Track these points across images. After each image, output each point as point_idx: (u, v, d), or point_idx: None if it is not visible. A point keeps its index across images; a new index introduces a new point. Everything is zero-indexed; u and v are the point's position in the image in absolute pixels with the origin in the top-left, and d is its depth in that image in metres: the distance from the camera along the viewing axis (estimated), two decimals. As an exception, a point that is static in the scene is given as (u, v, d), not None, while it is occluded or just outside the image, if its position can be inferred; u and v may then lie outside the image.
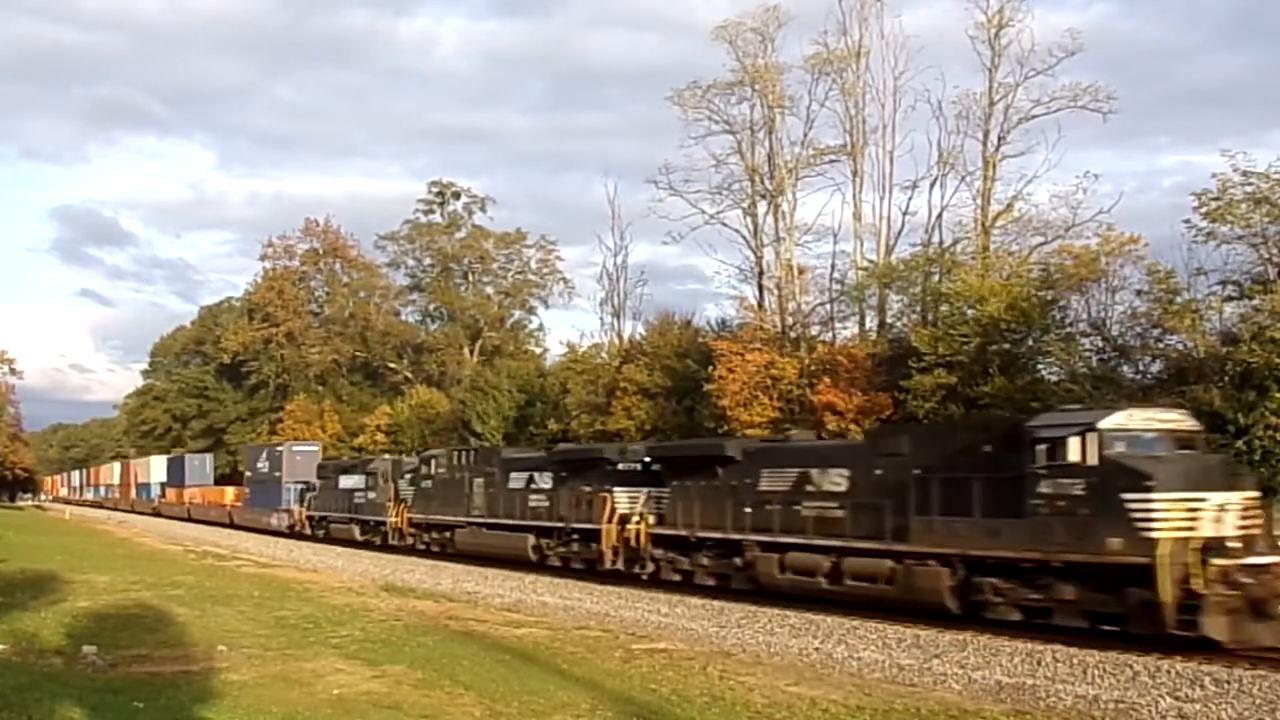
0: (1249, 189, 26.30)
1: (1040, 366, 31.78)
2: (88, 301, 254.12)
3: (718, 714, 11.15)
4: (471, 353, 76.75)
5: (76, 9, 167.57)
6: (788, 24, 44.16)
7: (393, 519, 35.65)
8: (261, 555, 36.61)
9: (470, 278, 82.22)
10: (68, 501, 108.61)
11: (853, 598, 18.93)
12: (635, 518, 24.15)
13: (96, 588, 21.41)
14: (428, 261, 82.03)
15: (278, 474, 51.07)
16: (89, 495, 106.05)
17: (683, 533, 22.78)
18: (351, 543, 39.06)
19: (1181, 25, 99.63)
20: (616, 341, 53.75)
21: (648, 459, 25.25)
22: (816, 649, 16.37)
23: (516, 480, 29.12)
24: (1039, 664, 14.72)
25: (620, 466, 25.34)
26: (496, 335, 79.25)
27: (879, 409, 33.67)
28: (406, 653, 14.27)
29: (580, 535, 26.17)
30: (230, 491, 63.79)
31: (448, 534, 32.20)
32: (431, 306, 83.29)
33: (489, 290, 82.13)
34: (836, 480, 19.59)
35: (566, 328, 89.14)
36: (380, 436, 65.27)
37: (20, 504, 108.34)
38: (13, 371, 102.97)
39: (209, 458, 75.58)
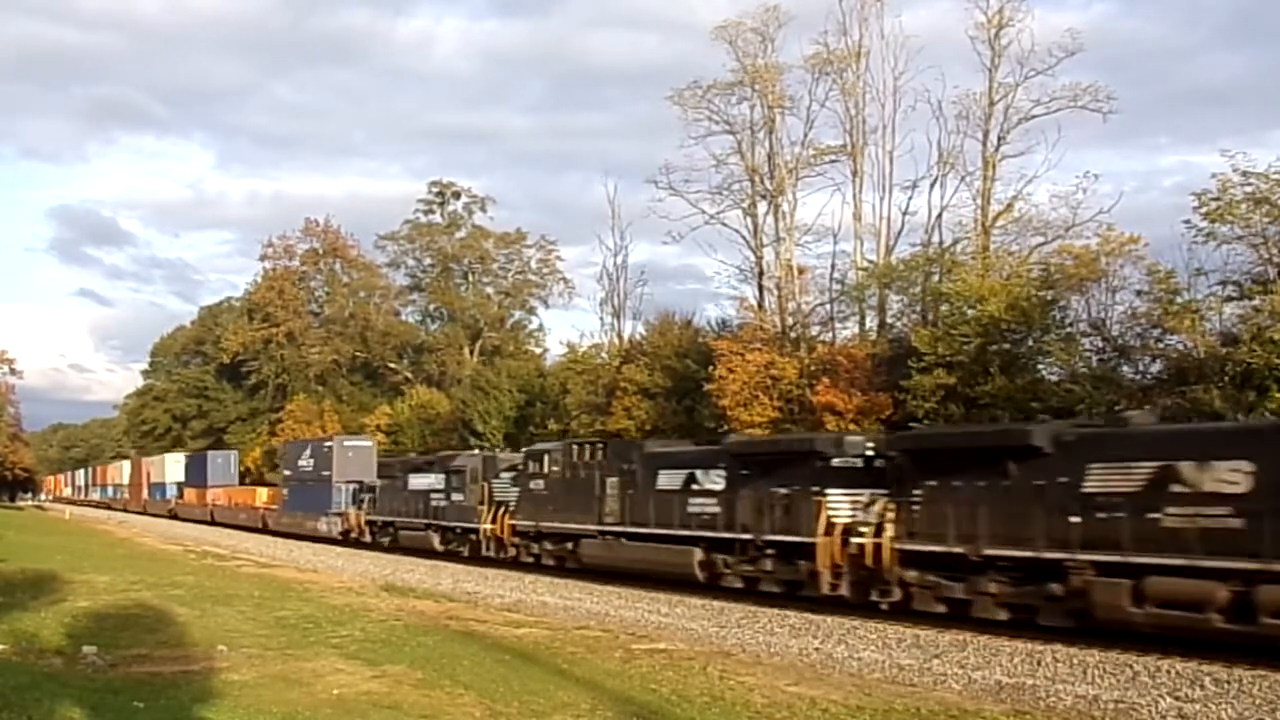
0: (1249, 189, 26.29)
1: (1040, 366, 31.78)
2: (87, 301, 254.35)
3: (718, 714, 11.15)
4: (471, 353, 76.76)
5: (76, 9, 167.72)
6: (788, 24, 44.24)
7: (487, 526, 30.09)
8: (261, 555, 36.61)
9: (470, 278, 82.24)
10: (72, 502, 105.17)
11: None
12: (865, 528, 19.18)
13: (96, 588, 21.41)
14: (428, 261, 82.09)
15: (326, 472, 43.81)
16: (95, 495, 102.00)
17: (956, 550, 17.44)
18: (428, 553, 33.41)
19: (1181, 25, 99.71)
20: (616, 341, 53.80)
21: (871, 452, 20.37)
22: (816, 649, 16.37)
23: (669, 479, 23.82)
24: (1039, 664, 14.73)
25: (835, 463, 20.37)
26: (496, 335, 79.27)
27: (879, 409, 33.67)
28: (406, 653, 14.27)
29: (777, 550, 21.03)
30: (262, 492, 57.65)
31: (568, 545, 26.92)
32: (431, 306, 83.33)
33: (489, 290, 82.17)
34: (1230, 477, 14.54)
35: (566, 328, 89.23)
36: (380, 437, 65.27)
37: (20, 504, 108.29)
38: (13, 371, 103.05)
39: (233, 455, 70.41)
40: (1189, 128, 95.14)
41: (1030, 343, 31.31)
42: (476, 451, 36.09)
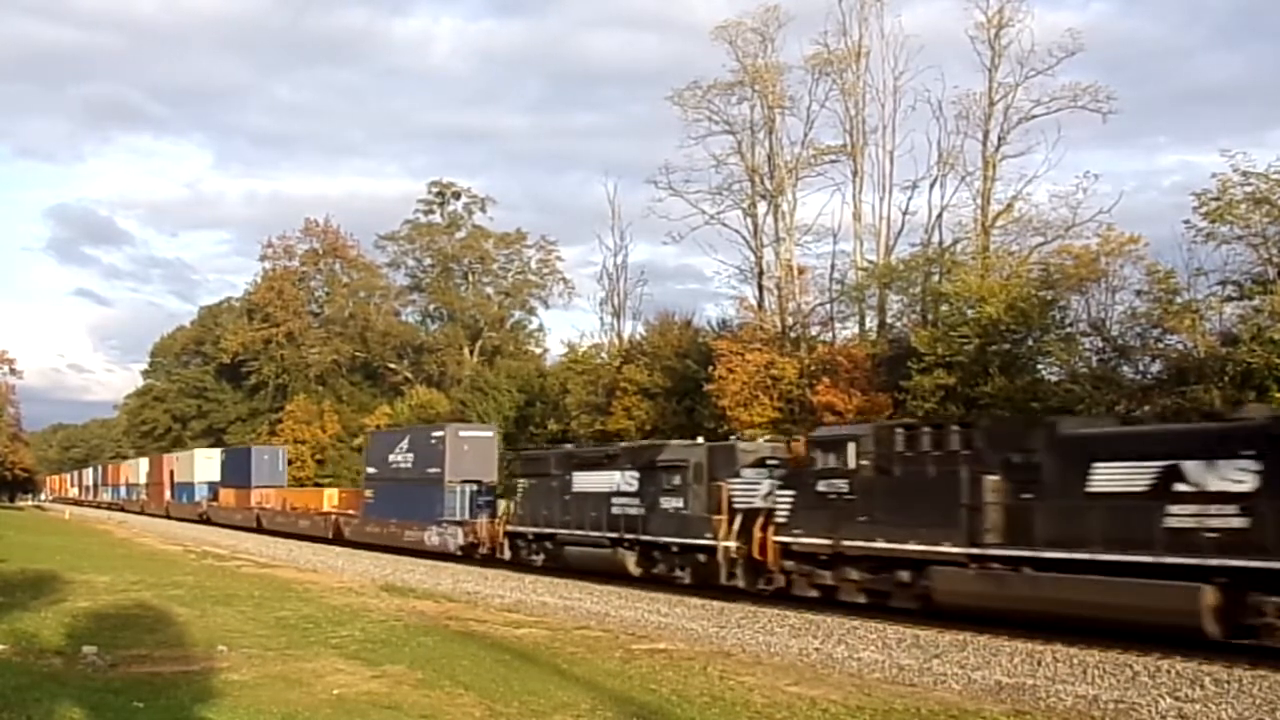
0: (1249, 189, 26.31)
1: (1040, 367, 31.80)
2: (85, 301, 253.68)
3: (718, 714, 11.15)
4: (471, 353, 76.76)
5: (73, 8, 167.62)
6: (788, 24, 44.27)
7: (730, 544, 22.04)
8: (261, 555, 36.60)
9: (470, 278, 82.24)
10: (78, 503, 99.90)
11: None
12: None
13: (96, 588, 21.42)
14: (428, 261, 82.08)
15: (434, 470, 34.66)
16: (105, 496, 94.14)
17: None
18: (615, 577, 25.13)
19: (1180, 24, 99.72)
20: (616, 341, 53.80)
21: None
22: (816, 649, 16.37)
23: (1119, 476, 15.85)
24: (1039, 664, 14.72)
25: None
26: (496, 335, 79.27)
27: (879, 409, 33.65)
28: (406, 653, 14.28)
29: None
30: (331, 494, 48.75)
31: (899, 575, 18.88)
32: (431, 307, 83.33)
33: (489, 290, 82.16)
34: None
35: (566, 328, 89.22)
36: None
37: (20, 504, 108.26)
38: (13, 371, 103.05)
39: (282, 451, 60.58)
40: (1188, 127, 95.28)
41: (1030, 343, 31.33)
42: (699, 440, 25.82)
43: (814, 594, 20.29)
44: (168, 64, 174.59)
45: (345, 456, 68.72)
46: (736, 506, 22.19)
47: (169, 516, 66.88)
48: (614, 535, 25.43)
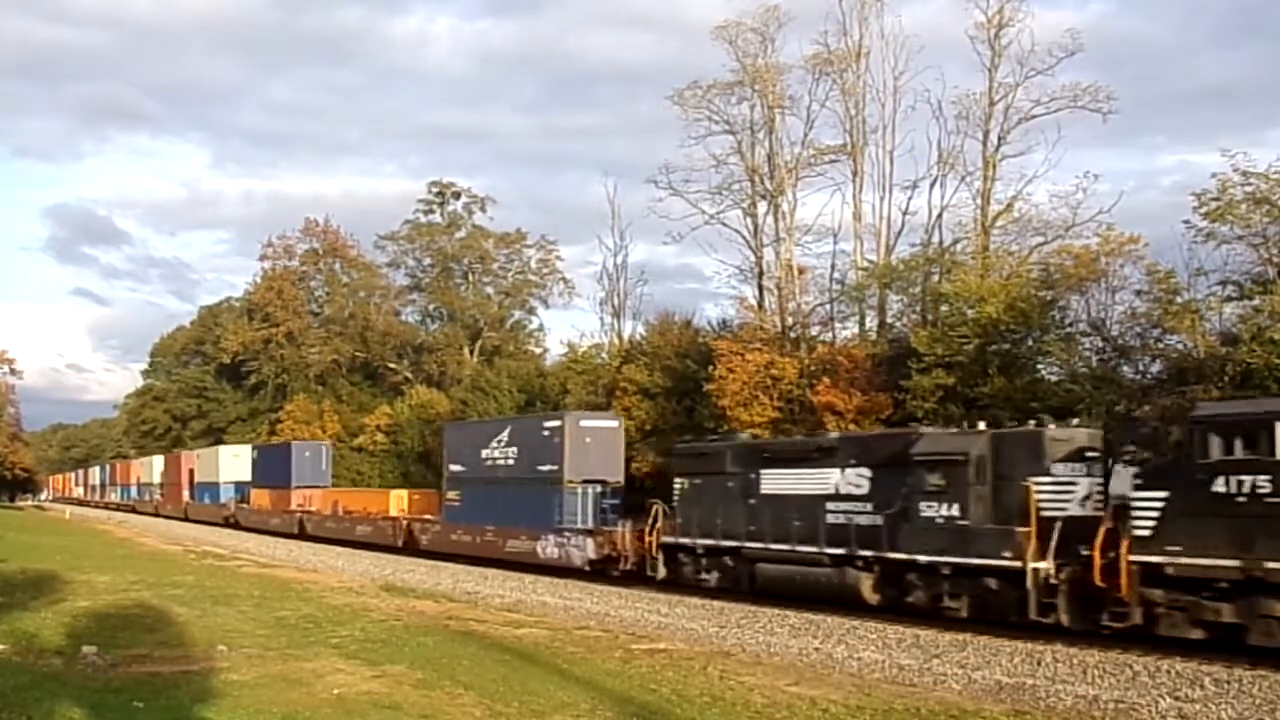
0: (1249, 189, 26.28)
1: (1040, 367, 31.77)
2: (83, 301, 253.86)
3: (718, 714, 11.15)
4: (471, 353, 76.72)
5: (69, 7, 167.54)
6: (788, 24, 44.23)
7: (1045, 564, 16.53)
8: (261, 555, 36.60)
9: (470, 278, 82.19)
10: (84, 504, 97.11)
11: None
12: None
13: (96, 588, 21.42)
14: (428, 261, 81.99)
15: (548, 467, 29.20)
16: (113, 496, 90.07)
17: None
18: (848, 606, 19.81)
19: (1179, 24, 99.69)
20: (616, 341, 53.80)
21: None
22: (816, 649, 16.37)
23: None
24: (1039, 664, 14.73)
25: None
26: (496, 335, 79.22)
27: (879, 409, 33.65)
28: (406, 653, 14.28)
29: None
30: (400, 496, 41.35)
31: None
32: (431, 306, 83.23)
33: (489, 290, 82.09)
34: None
35: (566, 328, 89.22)
36: (380, 437, 65.25)
37: (20, 504, 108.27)
38: (13, 371, 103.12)
39: (326, 448, 52.57)
40: (1187, 127, 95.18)
41: (1030, 343, 31.31)
42: (980, 428, 19.69)
43: (1196, 634, 15.07)
44: (164, 63, 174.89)
45: (345, 457, 67.90)
46: (1046, 515, 16.84)
47: (187, 519, 62.24)
48: (839, 552, 20.01)
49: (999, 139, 38.64)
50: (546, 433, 29.75)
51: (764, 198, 45.33)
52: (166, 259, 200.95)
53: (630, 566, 25.61)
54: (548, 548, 28.36)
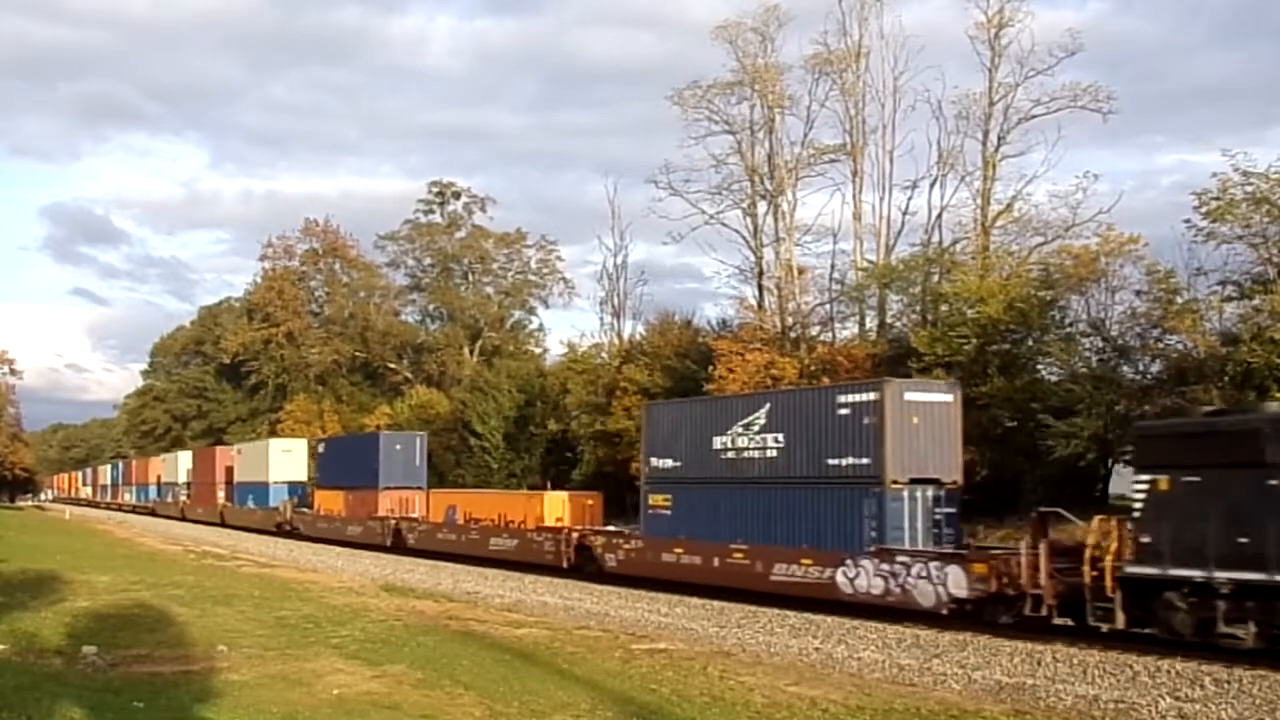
0: (1249, 189, 26.29)
1: (1040, 367, 31.79)
2: (82, 301, 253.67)
3: (718, 714, 11.15)
4: (471, 353, 76.76)
5: (66, 6, 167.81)
6: (788, 24, 44.30)
7: None
8: (261, 555, 36.59)
9: (470, 278, 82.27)
10: (93, 505, 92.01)
11: None
12: None
13: (96, 588, 21.42)
14: (428, 261, 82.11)
15: (851, 460, 20.58)
16: (127, 497, 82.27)
17: None
18: None
19: (1178, 23, 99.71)
20: (616, 341, 53.83)
21: None
22: (816, 649, 16.37)
23: None
24: (1039, 664, 14.73)
25: None
26: (496, 335, 79.28)
27: (879, 409, 33.64)
28: (406, 653, 14.27)
29: None
30: (555, 500, 30.67)
31: None
32: (431, 306, 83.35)
33: (489, 290, 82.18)
34: None
35: (566, 327, 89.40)
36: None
37: (20, 504, 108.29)
38: (12, 372, 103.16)
39: (420, 439, 42.37)
40: (1187, 126, 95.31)
41: (1030, 343, 31.33)
42: None
43: None
44: (162, 62, 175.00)
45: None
46: None
47: (224, 524, 53.66)
48: None
49: (999, 139, 38.72)
50: (846, 410, 20.83)
51: (764, 198, 45.39)
52: (165, 259, 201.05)
53: (1044, 610, 16.68)
54: (860, 578, 19.53)
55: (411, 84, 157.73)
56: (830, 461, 20.89)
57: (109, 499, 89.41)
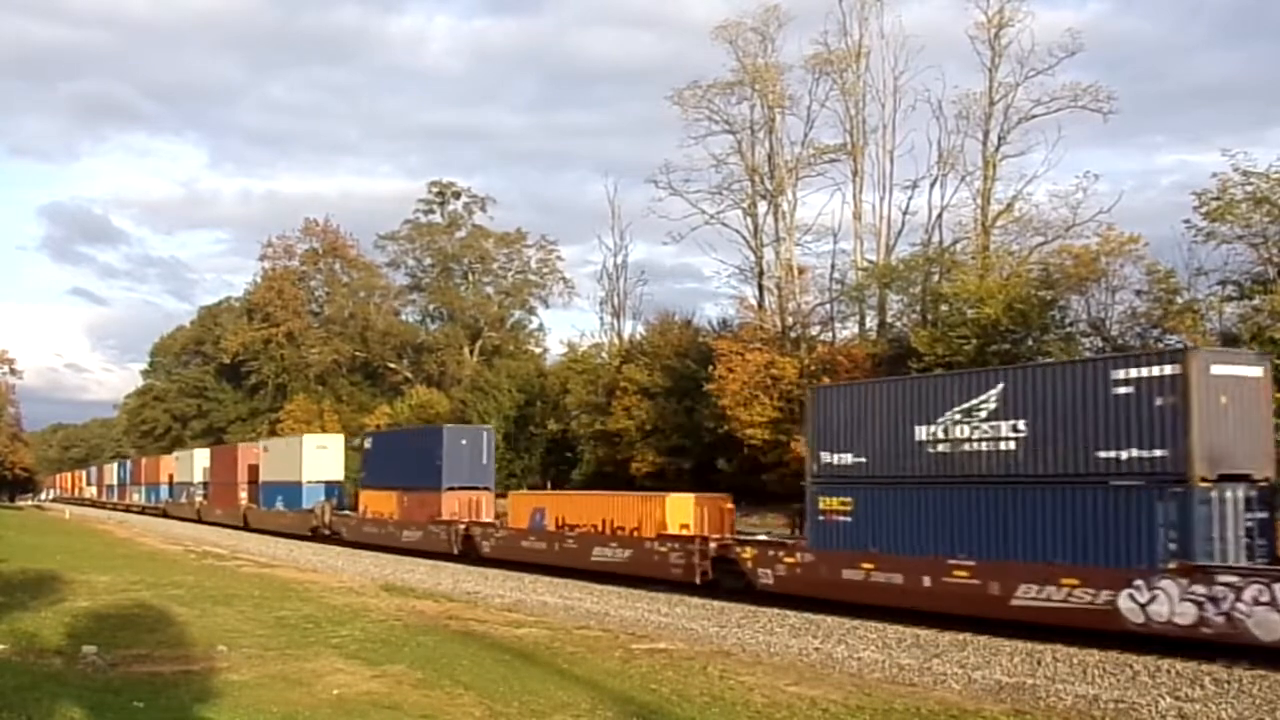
0: (1249, 189, 26.31)
1: (1040, 367, 31.79)
2: (81, 300, 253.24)
3: (718, 714, 11.15)
4: (471, 353, 76.78)
5: (65, 6, 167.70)
6: (788, 24, 44.38)
7: None
8: (261, 555, 36.57)
9: (470, 278, 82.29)
10: (98, 505, 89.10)
11: None
12: None
13: (96, 588, 21.41)
14: (428, 261, 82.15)
15: (1137, 453, 16.36)
16: (136, 497, 78.59)
17: None
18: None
19: (1177, 23, 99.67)
20: (616, 341, 53.86)
21: None
22: (816, 649, 16.37)
23: None
24: (1039, 664, 14.73)
25: None
26: (496, 335, 79.30)
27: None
28: (406, 653, 14.27)
29: None
30: (680, 504, 26.17)
31: None
32: (431, 306, 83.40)
33: (489, 290, 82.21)
34: None
35: (566, 327, 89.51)
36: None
37: (20, 504, 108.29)
38: (12, 371, 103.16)
39: (488, 434, 37.80)
40: (1186, 126, 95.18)
41: (1030, 343, 31.34)
42: None
43: None
44: (161, 62, 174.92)
45: (346, 457, 66.90)
46: None
47: (247, 528, 49.36)
48: None
49: (999, 139, 38.77)
50: (1126, 389, 16.65)
51: (764, 198, 45.45)
52: (164, 258, 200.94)
53: None
54: (1157, 603, 15.43)
55: (411, 84, 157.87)
56: (1102, 455, 16.72)
57: (116, 499, 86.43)
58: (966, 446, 18.68)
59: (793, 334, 41.43)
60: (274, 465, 49.49)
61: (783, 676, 13.70)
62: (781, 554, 21.59)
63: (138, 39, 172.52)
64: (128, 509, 77.92)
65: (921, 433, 19.38)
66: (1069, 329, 31.17)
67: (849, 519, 20.63)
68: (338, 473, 46.52)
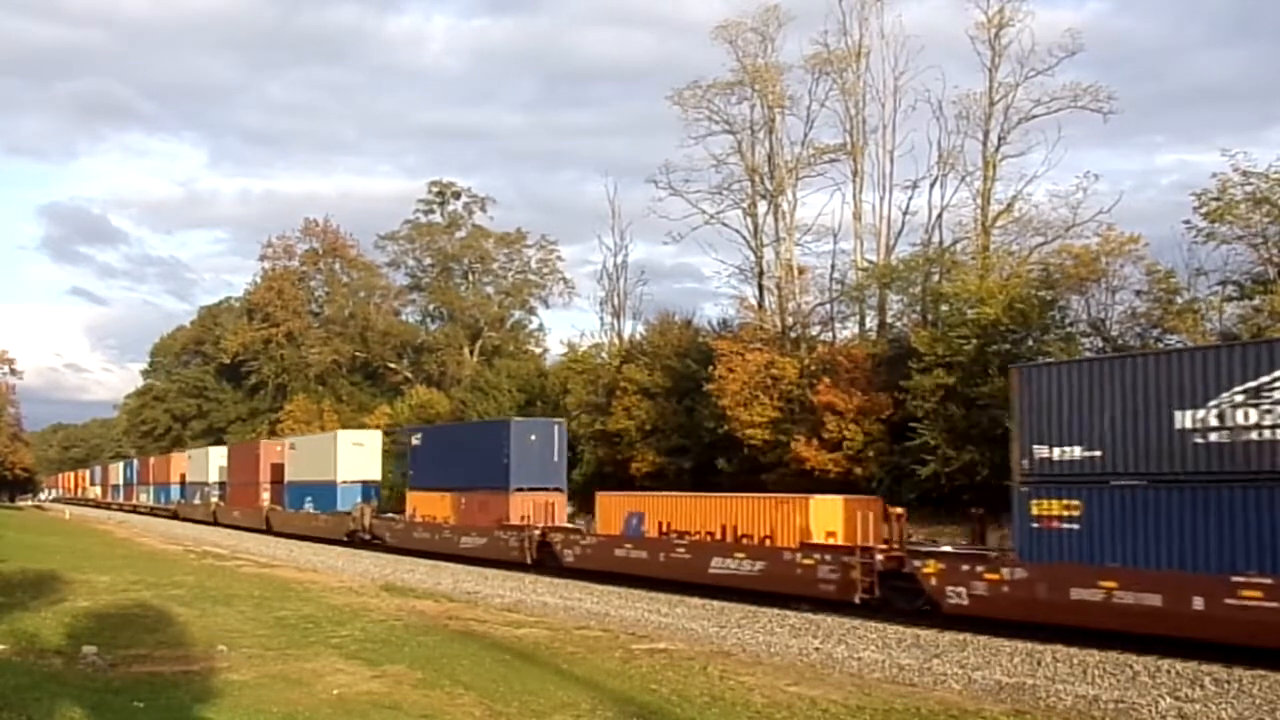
0: (1249, 189, 26.34)
1: (1040, 367, 31.79)
2: (80, 300, 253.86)
3: (718, 714, 11.14)
4: (471, 353, 76.81)
5: (65, 6, 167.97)
6: (788, 24, 44.37)
7: None
8: (262, 555, 36.57)
9: (470, 278, 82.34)
10: (103, 506, 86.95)
11: None
12: None
13: (96, 588, 21.40)
14: (428, 261, 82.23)
15: None
16: (144, 498, 75.41)
17: None
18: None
19: (1176, 22, 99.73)
20: (616, 341, 53.86)
21: None
22: (816, 649, 16.37)
23: None
24: (1039, 664, 14.73)
25: None
26: (496, 335, 79.34)
27: (879, 409, 33.68)
28: (406, 653, 14.27)
29: None
30: (829, 507, 22.43)
31: None
32: (431, 306, 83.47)
33: (489, 290, 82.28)
34: None
35: (566, 327, 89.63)
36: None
37: (20, 504, 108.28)
38: (13, 371, 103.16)
39: (559, 427, 33.45)
40: (1186, 126, 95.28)
41: (1030, 343, 31.35)
42: None
43: None
44: (159, 62, 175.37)
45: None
46: None
47: (269, 530, 46.76)
48: None
49: (999, 139, 38.78)
50: None
51: (764, 197, 45.45)
52: (163, 258, 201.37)
53: None
54: None
55: (409, 83, 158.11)
56: None
57: (122, 500, 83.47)
58: (1254, 435, 15.09)
59: (793, 334, 41.43)
60: (303, 464, 46.02)
61: (783, 676, 13.69)
62: (980, 569, 17.88)
63: (136, 38, 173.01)
64: (134, 510, 75.63)
65: (1183, 419, 15.78)
66: (1069, 329, 31.19)
67: (1075, 526, 16.89)
68: (374, 472, 43.16)
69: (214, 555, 35.12)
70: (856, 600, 19.52)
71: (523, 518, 30.32)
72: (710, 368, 38.86)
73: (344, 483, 42.26)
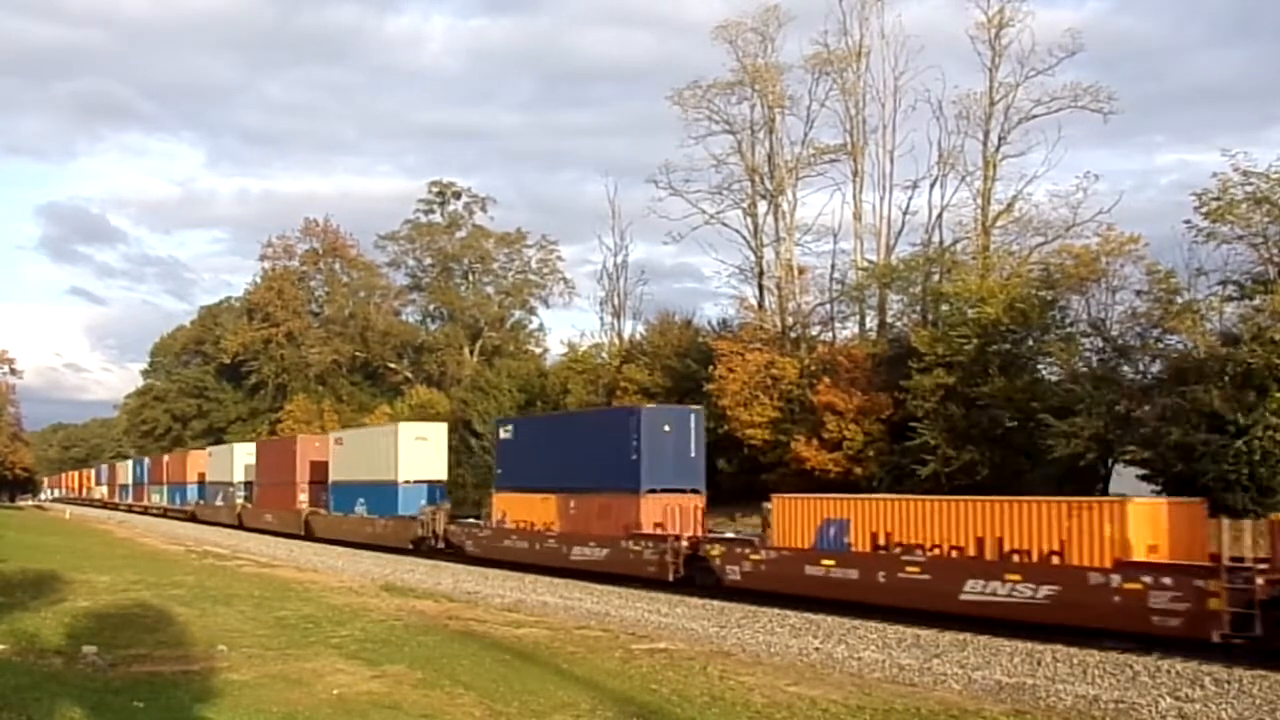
0: (1249, 189, 26.32)
1: (1040, 366, 31.82)
2: (80, 300, 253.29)
3: (718, 714, 11.14)
4: (471, 353, 76.81)
5: (63, 5, 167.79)
6: (788, 24, 44.39)
7: None
8: (262, 555, 36.56)
9: (470, 278, 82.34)
10: (110, 507, 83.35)
11: None
12: None
13: (97, 588, 21.40)
14: (428, 261, 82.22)
15: None
16: (157, 499, 69.85)
17: None
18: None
19: (1176, 22, 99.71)
20: (616, 341, 53.90)
21: None
22: (816, 649, 16.36)
23: None
24: (1039, 664, 14.72)
25: None
26: (496, 335, 79.34)
27: (879, 409, 33.68)
28: (406, 653, 14.27)
29: None
30: (1141, 513, 16.48)
31: None
32: (431, 306, 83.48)
33: (489, 290, 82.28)
34: None
35: (566, 327, 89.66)
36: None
37: (20, 504, 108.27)
38: (13, 371, 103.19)
39: (695, 416, 26.95)
40: (1186, 126, 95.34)
41: (1030, 343, 31.36)
42: None
43: None
44: (158, 61, 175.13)
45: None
46: None
47: (309, 536, 41.72)
48: None
49: (999, 139, 38.81)
50: None
51: (764, 197, 45.48)
52: (162, 258, 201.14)
53: None
54: None
55: (408, 83, 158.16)
56: None
57: (131, 500, 77.38)
58: None
59: (793, 334, 41.45)
60: (352, 461, 40.27)
61: (783, 676, 13.69)
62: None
63: (136, 38, 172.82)
64: (145, 511, 71.21)
65: None
66: (1069, 329, 31.18)
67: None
68: (440, 470, 37.61)
69: (214, 555, 35.12)
70: (1215, 637, 14.48)
71: (655, 525, 25.05)
72: (710, 368, 38.87)
73: (406, 483, 36.75)
